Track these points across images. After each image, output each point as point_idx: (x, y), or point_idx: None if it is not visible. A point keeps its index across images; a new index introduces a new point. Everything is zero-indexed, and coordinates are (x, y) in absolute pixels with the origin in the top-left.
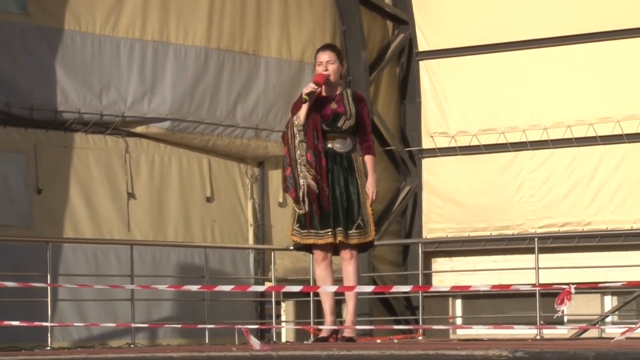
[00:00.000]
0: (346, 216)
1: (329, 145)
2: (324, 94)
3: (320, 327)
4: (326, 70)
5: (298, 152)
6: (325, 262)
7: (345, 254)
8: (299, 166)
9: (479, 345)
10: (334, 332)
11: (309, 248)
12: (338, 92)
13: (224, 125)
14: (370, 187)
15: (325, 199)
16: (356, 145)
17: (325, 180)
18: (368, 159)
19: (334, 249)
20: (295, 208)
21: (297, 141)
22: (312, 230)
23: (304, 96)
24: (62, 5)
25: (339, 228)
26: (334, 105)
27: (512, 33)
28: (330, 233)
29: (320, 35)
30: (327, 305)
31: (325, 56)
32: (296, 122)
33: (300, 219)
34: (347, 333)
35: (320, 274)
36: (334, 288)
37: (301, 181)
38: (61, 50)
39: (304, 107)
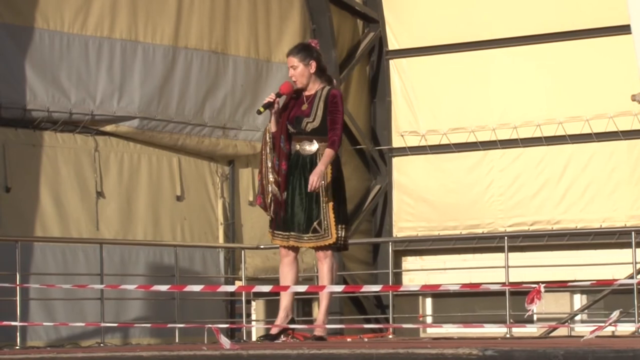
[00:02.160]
0: (304, 219)
1: (296, 148)
2: (307, 92)
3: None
4: (293, 76)
5: (269, 161)
6: (287, 259)
7: (318, 254)
8: (269, 174)
9: (449, 343)
10: (285, 330)
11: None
12: (313, 92)
13: (193, 124)
14: (312, 176)
15: (282, 204)
16: (326, 145)
17: (283, 185)
18: (326, 151)
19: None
20: (267, 214)
21: (268, 148)
22: (277, 232)
23: (260, 109)
24: (30, 3)
25: (292, 233)
26: (304, 107)
27: (482, 32)
28: (286, 236)
29: (289, 34)
30: (283, 302)
31: (290, 61)
32: (268, 130)
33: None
34: (318, 332)
35: (282, 270)
36: (304, 288)
37: (269, 187)
38: (29, 48)
39: (273, 116)
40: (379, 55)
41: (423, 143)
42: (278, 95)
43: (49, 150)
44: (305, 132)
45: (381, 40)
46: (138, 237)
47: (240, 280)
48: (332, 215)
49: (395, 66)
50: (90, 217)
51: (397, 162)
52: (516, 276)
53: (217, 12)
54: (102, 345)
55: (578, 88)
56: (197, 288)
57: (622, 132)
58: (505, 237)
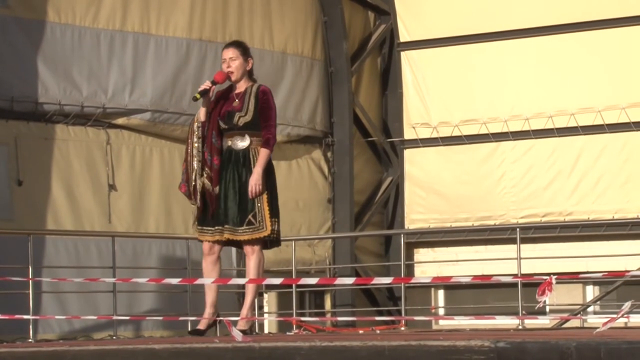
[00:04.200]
0: (238, 213)
1: (228, 143)
2: (237, 90)
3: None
4: (229, 67)
5: (195, 150)
6: (211, 257)
7: (246, 249)
8: (194, 162)
9: (461, 335)
10: (212, 325)
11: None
12: (243, 89)
13: None
14: (251, 181)
15: (213, 199)
16: (259, 141)
17: (216, 180)
18: (261, 151)
19: (237, 244)
20: (190, 203)
21: (195, 137)
22: (205, 227)
23: (196, 95)
24: None
25: (227, 226)
26: (235, 103)
27: (494, 23)
28: (219, 230)
29: (302, 26)
30: (208, 298)
31: (228, 53)
32: (196, 119)
33: (199, 215)
34: (241, 325)
35: (205, 267)
36: (314, 280)
37: (193, 176)
38: (41, 42)
39: (202, 105)
40: (390, 48)
41: (435, 135)
42: (214, 83)
43: (61, 143)
44: (238, 126)
45: (392, 32)
46: (150, 230)
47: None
48: (266, 208)
49: (407, 58)
50: (103, 210)
51: (408, 154)
52: (528, 268)
53: (230, 3)
54: (114, 337)
55: (590, 79)
56: (208, 281)
57: (634, 123)
58: (518, 229)
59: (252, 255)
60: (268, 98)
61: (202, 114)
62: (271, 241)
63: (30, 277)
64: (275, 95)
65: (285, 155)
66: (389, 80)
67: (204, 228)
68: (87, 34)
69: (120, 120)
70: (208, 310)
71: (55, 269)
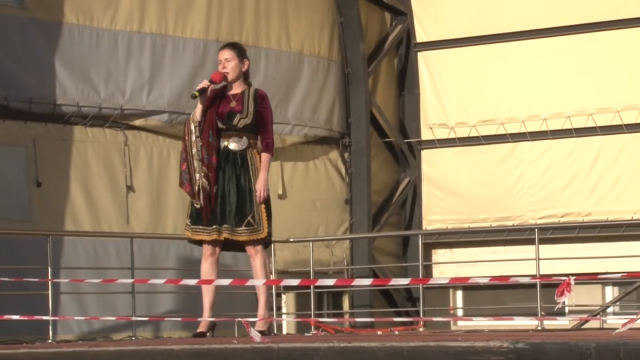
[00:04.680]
0: (236, 213)
1: (225, 144)
2: (232, 91)
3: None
4: (224, 68)
5: (194, 149)
6: (212, 259)
7: (249, 250)
8: (195, 162)
9: (479, 336)
10: (212, 328)
11: (200, 243)
12: (239, 91)
13: None
14: (258, 186)
15: (212, 197)
16: (256, 143)
17: (213, 179)
18: (264, 156)
19: (236, 247)
20: (194, 203)
21: (193, 137)
22: (200, 227)
23: (195, 93)
24: None
25: (225, 225)
26: (233, 104)
27: (511, 23)
28: (216, 229)
29: (318, 26)
30: (207, 300)
31: (224, 54)
32: (192, 119)
33: (192, 214)
34: (259, 326)
35: (205, 269)
36: (332, 281)
37: (197, 176)
38: (59, 43)
39: (199, 104)
40: (407, 48)
41: (452, 135)
42: (211, 82)
43: (79, 144)
44: (237, 128)
45: (409, 32)
46: (168, 231)
47: (271, 273)
48: (263, 210)
49: (424, 58)
50: (121, 211)
51: (426, 154)
52: (547, 268)
53: (247, 5)
54: (133, 338)
55: (608, 79)
56: (225, 282)
57: None
58: (536, 229)
59: (257, 256)
60: (267, 103)
61: (198, 112)
62: (265, 243)
63: (49, 278)
64: (292, 96)
65: (302, 156)
66: (405, 80)
67: (199, 227)
68: (104, 36)
69: (137, 122)
70: (207, 313)
71: (73, 270)
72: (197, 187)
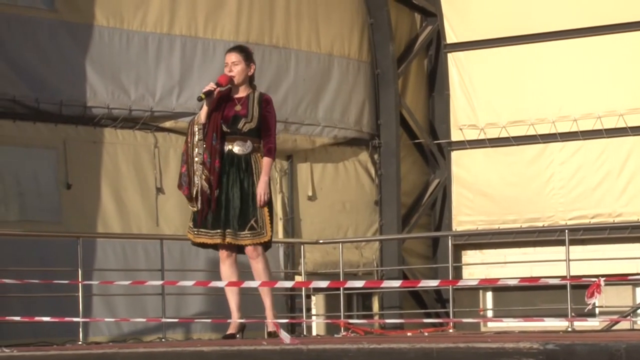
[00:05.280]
0: (239, 217)
1: (229, 147)
2: (237, 95)
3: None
4: (231, 71)
5: (196, 151)
6: (229, 260)
7: (250, 252)
8: (195, 164)
9: (509, 337)
10: (241, 329)
11: (204, 245)
12: (244, 95)
13: None
14: (259, 190)
15: (213, 201)
16: (260, 147)
17: (215, 183)
18: (265, 160)
19: (240, 248)
20: (189, 206)
21: (195, 139)
22: (202, 230)
23: (201, 95)
24: (89, 1)
25: (228, 229)
26: (237, 107)
27: (541, 24)
28: (219, 233)
29: (348, 28)
30: (233, 302)
31: (231, 57)
32: (196, 121)
33: (194, 217)
34: (270, 328)
35: (225, 271)
36: (361, 283)
37: (196, 179)
38: (89, 45)
39: (204, 107)
40: (437, 49)
41: (482, 136)
42: (218, 85)
43: (109, 146)
44: (241, 132)
45: (439, 33)
46: None
47: (300, 275)
48: (266, 214)
49: (454, 59)
50: (150, 213)
51: (456, 155)
52: (577, 269)
53: (277, 6)
54: (163, 340)
55: (639, 79)
56: (254, 284)
57: None
58: (566, 230)
59: (258, 258)
60: (271, 107)
61: (203, 115)
62: (266, 246)
63: (79, 279)
64: (322, 97)
65: (332, 158)
66: (435, 81)
67: (201, 230)
68: (135, 38)
69: (167, 124)
70: (236, 315)
71: (103, 272)
72: (195, 191)
